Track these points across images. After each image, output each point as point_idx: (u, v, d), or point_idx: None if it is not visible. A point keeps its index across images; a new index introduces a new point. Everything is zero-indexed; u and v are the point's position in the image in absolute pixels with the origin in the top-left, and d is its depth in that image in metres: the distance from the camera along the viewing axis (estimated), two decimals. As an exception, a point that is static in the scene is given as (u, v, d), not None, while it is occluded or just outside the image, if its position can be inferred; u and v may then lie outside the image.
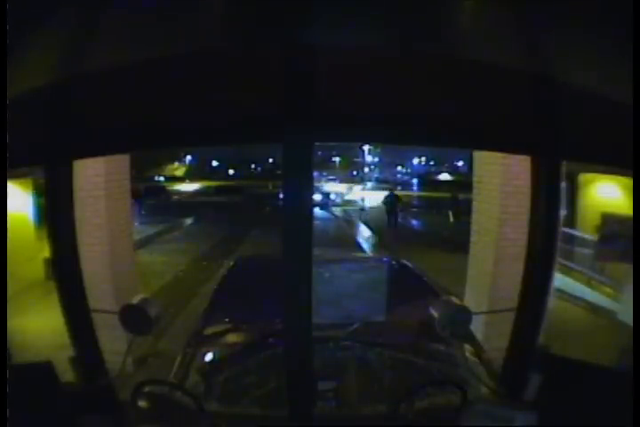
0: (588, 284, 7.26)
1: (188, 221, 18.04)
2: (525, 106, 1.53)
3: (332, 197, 29.96)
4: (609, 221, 6.58)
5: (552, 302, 2.01)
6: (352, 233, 16.14)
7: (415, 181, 44.24)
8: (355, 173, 50.64)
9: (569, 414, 1.58)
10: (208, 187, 34.44)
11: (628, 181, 1.88)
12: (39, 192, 6.90)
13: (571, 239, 7.56)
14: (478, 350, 2.37)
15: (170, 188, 33.61)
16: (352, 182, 44.35)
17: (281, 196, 1.55)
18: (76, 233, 1.94)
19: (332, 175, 48.72)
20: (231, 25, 1.39)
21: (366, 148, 48.12)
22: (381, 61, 1.45)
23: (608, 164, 1.76)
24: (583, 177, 8.61)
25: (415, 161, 56.57)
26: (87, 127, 1.56)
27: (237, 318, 2.65)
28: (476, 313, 2.01)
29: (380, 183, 43.98)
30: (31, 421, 1.53)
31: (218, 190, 31.05)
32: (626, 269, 5.84)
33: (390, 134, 1.55)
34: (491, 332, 3.24)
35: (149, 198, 20.76)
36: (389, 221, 17.06)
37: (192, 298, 6.42)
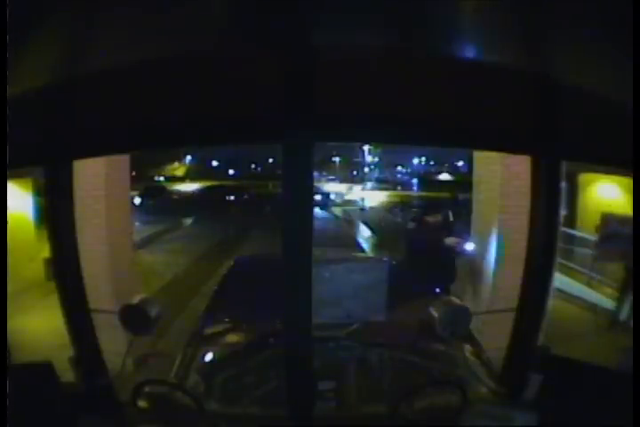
0: (588, 284, 7.25)
1: (188, 221, 18.03)
2: (525, 106, 1.53)
3: (332, 197, 29.97)
4: (609, 221, 6.58)
5: (552, 302, 2.01)
6: (352, 233, 16.13)
7: (415, 181, 44.17)
8: (355, 173, 50.59)
9: (569, 414, 1.58)
10: (208, 187, 34.40)
11: (628, 181, 1.88)
12: (39, 192, 6.90)
13: (571, 239, 7.56)
14: (478, 350, 2.37)
15: (170, 188, 33.63)
16: (352, 182, 44.38)
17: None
18: (76, 233, 1.94)
19: (331, 175, 48.74)
20: (230, 25, 1.39)
21: (366, 148, 48.14)
22: (381, 61, 1.45)
23: (608, 164, 1.76)
24: (583, 177, 8.61)
25: (415, 161, 56.46)
26: (87, 127, 1.55)
27: (237, 318, 2.65)
28: (476, 313, 2.01)
29: (380, 183, 44.03)
30: (31, 421, 1.53)
31: (217, 190, 31.03)
32: (626, 269, 5.84)
33: (390, 134, 1.54)
34: (491, 332, 3.24)
35: (149, 198, 20.78)
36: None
37: (192, 298, 6.42)
